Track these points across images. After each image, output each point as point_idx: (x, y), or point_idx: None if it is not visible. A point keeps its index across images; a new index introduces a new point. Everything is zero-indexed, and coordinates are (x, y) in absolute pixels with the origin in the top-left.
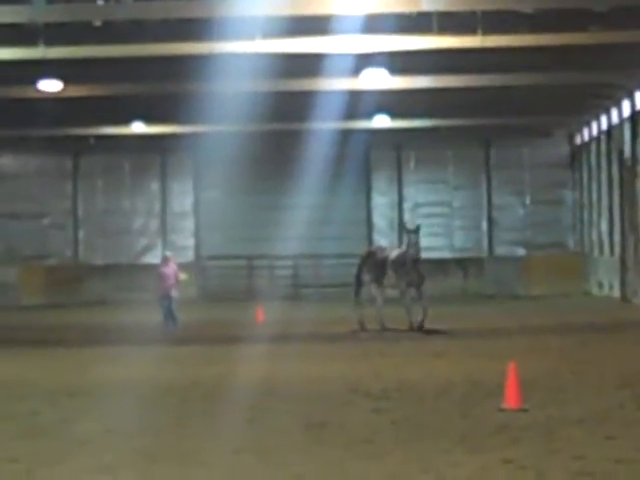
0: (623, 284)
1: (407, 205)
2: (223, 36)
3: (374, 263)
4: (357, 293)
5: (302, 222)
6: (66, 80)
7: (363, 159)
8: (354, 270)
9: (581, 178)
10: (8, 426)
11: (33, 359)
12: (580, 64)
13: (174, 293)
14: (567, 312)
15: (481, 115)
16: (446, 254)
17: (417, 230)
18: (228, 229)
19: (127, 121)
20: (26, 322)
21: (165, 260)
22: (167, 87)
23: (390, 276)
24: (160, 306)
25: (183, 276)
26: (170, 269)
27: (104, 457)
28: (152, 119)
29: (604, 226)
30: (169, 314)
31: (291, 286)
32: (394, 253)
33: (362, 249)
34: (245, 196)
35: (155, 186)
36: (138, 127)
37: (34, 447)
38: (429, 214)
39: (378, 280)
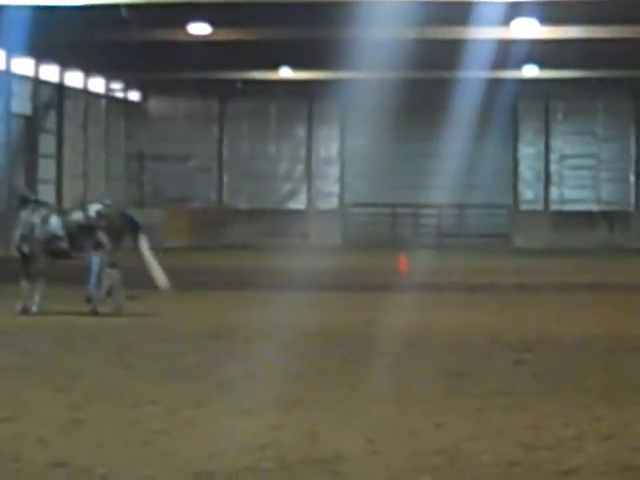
0: None
1: (554, 156)
2: None
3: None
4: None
5: (448, 171)
6: (215, 24)
7: (511, 109)
8: (498, 221)
9: None
10: (151, 368)
11: (176, 301)
12: None
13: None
14: None
15: (632, 67)
16: (593, 207)
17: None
18: (373, 177)
19: (275, 66)
20: (170, 264)
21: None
22: (315, 33)
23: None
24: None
25: None
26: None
27: (244, 401)
28: (299, 65)
29: None
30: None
31: (435, 235)
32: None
33: (507, 200)
34: (391, 144)
35: (301, 132)
36: (285, 72)
37: (175, 389)
38: (576, 166)
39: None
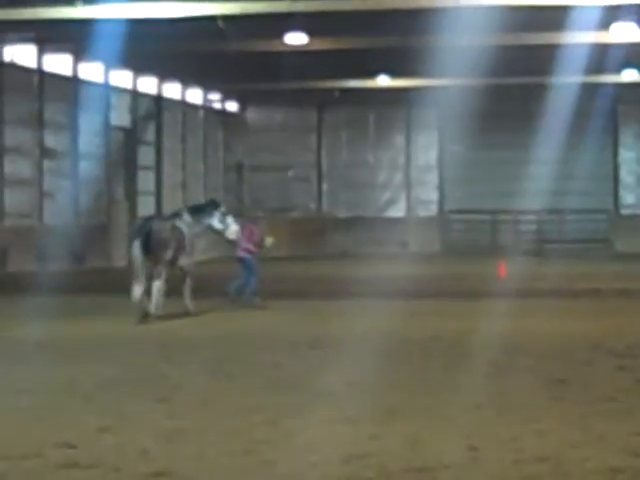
0: None
1: None
2: None
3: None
4: None
5: (546, 177)
6: (312, 33)
7: (610, 114)
8: (598, 226)
9: None
10: (252, 378)
11: (276, 310)
12: None
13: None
14: None
15: None
16: None
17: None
18: (471, 183)
19: (372, 74)
20: (270, 274)
21: (254, 219)
22: (412, 41)
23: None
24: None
25: (269, 241)
26: (257, 229)
27: (345, 409)
28: (397, 72)
29: None
30: (244, 279)
31: (534, 241)
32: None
33: (608, 204)
34: (489, 150)
35: (400, 139)
36: (383, 80)
37: (276, 399)
38: None
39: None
